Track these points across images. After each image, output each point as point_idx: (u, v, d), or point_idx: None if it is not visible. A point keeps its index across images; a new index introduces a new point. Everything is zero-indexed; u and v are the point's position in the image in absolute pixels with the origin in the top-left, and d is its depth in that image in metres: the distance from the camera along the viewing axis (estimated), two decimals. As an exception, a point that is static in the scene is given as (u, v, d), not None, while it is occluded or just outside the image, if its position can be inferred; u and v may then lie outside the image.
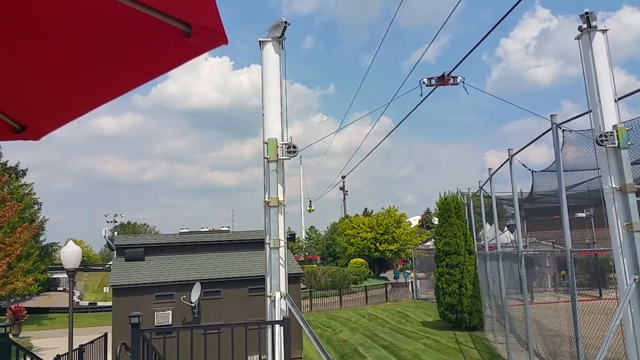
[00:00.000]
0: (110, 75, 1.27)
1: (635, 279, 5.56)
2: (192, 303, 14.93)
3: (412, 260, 42.98)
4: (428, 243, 43.27)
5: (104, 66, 1.24)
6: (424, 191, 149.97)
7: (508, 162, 12.28)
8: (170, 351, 4.77)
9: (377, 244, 49.27)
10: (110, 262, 25.14)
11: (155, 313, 14.81)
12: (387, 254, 49.96)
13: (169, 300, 15.20)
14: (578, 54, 6.19)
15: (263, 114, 5.88)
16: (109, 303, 19.68)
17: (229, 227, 21.54)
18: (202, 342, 4.98)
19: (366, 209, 68.70)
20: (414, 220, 64.17)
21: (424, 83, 9.62)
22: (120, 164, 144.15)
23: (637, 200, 5.83)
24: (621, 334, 5.91)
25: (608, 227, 6.02)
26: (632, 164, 6.34)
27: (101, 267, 61.35)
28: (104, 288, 43.38)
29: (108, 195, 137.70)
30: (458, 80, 9.83)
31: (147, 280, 15.23)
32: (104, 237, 53.97)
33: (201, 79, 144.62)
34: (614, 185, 5.77)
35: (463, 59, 8.18)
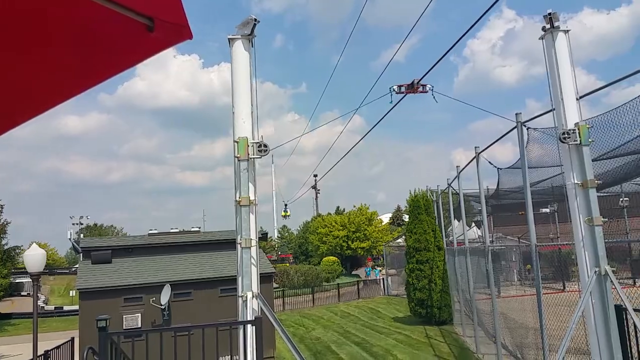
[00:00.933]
0: (69, 71, 1.23)
1: (595, 272, 5.76)
2: (162, 305, 14.69)
3: (383, 258, 43.41)
4: (399, 240, 43.80)
5: (63, 62, 1.20)
6: (395, 189, 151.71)
7: (475, 159, 12.53)
8: (140, 355, 4.68)
9: (349, 242, 49.59)
10: (77, 265, 24.49)
11: (124, 316, 14.51)
12: (359, 252, 50.36)
13: (138, 303, 14.91)
14: (541, 55, 6.37)
15: (233, 113, 5.83)
16: (76, 307, 19.18)
17: (199, 228, 21.29)
18: (173, 345, 4.91)
19: (338, 207, 68.99)
20: (385, 218, 64.83)
21: (394, 90, 9.78)
22: (86, 165, 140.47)
23: (598, 196, 6.04)
24: (583, 324, 6.12)
25: (570, 221, 6.22)
26: (593, 160, 6.57)
27: (67, 271, 59.72)
28: (71, 292, 42.22)
29: (73, 197, 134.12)
30: (427, 88, 10.04)
31: (115, 283, 14.90)
32: (70, 239, 52.60)
33: (169, 77, 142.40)
34: (576, 181, 5.96)
35: (432, 68, 8.31)
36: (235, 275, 5.82)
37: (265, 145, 5.76)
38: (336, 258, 47.49)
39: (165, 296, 14.68)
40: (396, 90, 9.68)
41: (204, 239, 18.21)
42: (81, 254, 16.44)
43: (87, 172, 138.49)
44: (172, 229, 19.80)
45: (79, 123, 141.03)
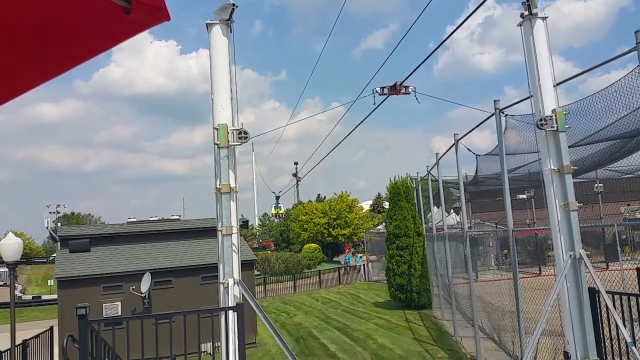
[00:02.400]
0: (43, 54, 1.20)
1: (570, 255, 5.90)
2: (142, 293, 14.60)
3: (364, 244, 43.74)
4: (379, 227, 44.14)
5: (36, 45, 1.17)
6: (376, 176, 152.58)
7: (454, 146, 12.66)
8: (120, 343, 4.66)
9: (330, 229, 49.79)
10: (54, 254, 24.11)
11: (104, 305, 14.40)
12: (340, 239, 50.63)
13: (118, 292, 14.80)
14: (520, 42, 6.43)
15: (212, 99, 5.77)
16: (55, 296, 18.92)
17: (179, 216, 21.16)
18: (154, 332, 4.89)
19: (319, 194, 69.14)
20: (366, 205, 65.26)
21: (377, 92, 9.86)
22: (62, 153, 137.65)
23: (573, 182, 6.17)
24: (558, 307, 6.28)
25: (547, 207, 6.35)
26: (569, 147, 6.69)
27: (45, 260, 58.71)
28: (49, 281, 41.57)
29: (50, 186, 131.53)
30: (409, 90, 10.12)
31: (94, 272, 14.75)
32: (47, 228, 51.65)
33: (146, 64, 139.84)
34: (552, 167, 6.07)
35: (413, 72, 8.35)
36: (217, 263, 5.81)
37: (246, 132, 5.72)
38: (317, 245, 47.68)
39: (145, 284, 14.59)
40: (379, 92, 9.78)
41: (185, 227, 18.10)
42: (59, 243, 16.20)
43: (63, 160, 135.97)
44: (151, 217, 19.64)
45: (55, 110, 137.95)
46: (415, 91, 10.09)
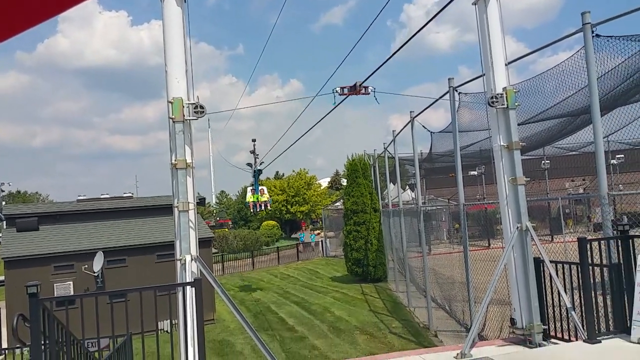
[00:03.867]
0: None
1: (517, 227, 6.20)
2: (94, 273, 14.27)
3: (322, 221, 44.16)
4: (337, 203, 44.60)
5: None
6: (334, 154, 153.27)
7: (410, 123, 12.87)
8: (75, 323, 4.56)
9: (289, 206, 49.95)
10: (0, 234, 23.06)
11: (55, 285, 14.00)
12: (299, 215, 50.91)
13: (69, 271, 14.40)
14: (474, 22, 6.56)
15: (166, 72, 5.60)
16: (1, 277, 18.20)
17: (132, 194, 20.63)
18: (109, 311, 4.81)
19: (277, 172, 68.93)
20: (324, 182, 65.69)
21: (337, 92, 9.94)
22: (6, 129, 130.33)
23: (522, 159, 6.44)
24: (505, 277, 6.61)
25: (496, 182, 6.61)
26: (518, 124, 6.94)
27: (-12, 241, 56.02)
28: (-7, 263, 39.82)
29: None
30: (369, 90, 10.23)
31: (43, 251, 14.27)
32: (-10, 207, 49.16)
33: (95, 35, 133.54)
34: (502, 143, 6.30)
35: (373, 73, 8.37)
36: (173, 241, 5.75)
37: (202, 107, 5.62)
38: (275, 222, 47.79)
39: (97, 263, 14.25)
40: (339, 92, 9.87)
41: (138, 204, 17.70)
42: (4, 222, 15.50)
43: (6, 136, 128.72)
44: (102, 195, 19.04)
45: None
46: (374, 91, 10.26)
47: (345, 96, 9.92)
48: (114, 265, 14.97)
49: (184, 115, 5.49)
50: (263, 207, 20.24)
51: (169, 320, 5.69)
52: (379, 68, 7.94)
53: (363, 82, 9.79)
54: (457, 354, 5.76)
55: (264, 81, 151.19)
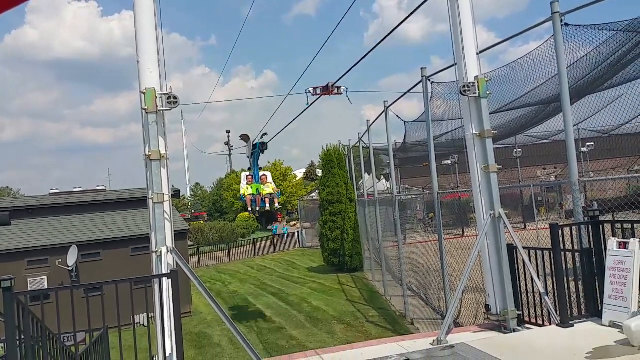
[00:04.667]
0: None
1: (490, 214, 6.32)
2: (69, 267, 14.02)
3: (298, 212, 44.19)
4: (313, 194, 44.66)
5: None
6: (309, 144, 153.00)
7: (384, 113, 12.96)
8: (50, 317, 4.48)
9: (264, 197, 49.73)
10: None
11: (29, 280, 13.73)
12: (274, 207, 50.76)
13: (43, 265, 14.13)
14: (446, 12, 6.62)
15: (138, 62, 5.49)
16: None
17: (105, 187, 20.29)
18: (85, 305, 4.74)
19: (252, 163, 68.29)
20: (300, 173, 65.62)
21: (309, 92, 9.96)
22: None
23: (494, 147, 6.56)
24: (479, 265, 6.75)
25: (469, 170, 6.71)
26: (490, 113, 7.06)
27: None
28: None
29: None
30: (342, 90, 10.26)
31: (16, 246, 13.99)
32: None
33: (64, 26, 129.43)
34: (474, 132, 6.40)
35: (346, 73, 8.41)
36: (148, 233, 5.67)
37: (175, 97, 5.54)
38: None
39: (72, 257, 14.01)
40: (312, 92, 9.90)
41: (112, 197, 17.41)
42: (-28, 218, 15.08)
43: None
44: (75, 188, 18.67)
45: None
46: (347, 91, 10.31)
47: (318, 96, 9.99)
48: (89, 259, 14.73)
49: (157, 106, 5.41)
50: (267, 205, 12.78)
51: (146, 314, 5.64)
52: (352, 68, 7.96)
53: (335, 82, 9.89)
54: (433, 340, 5.86)
55: (237, 72, 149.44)
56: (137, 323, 8.03)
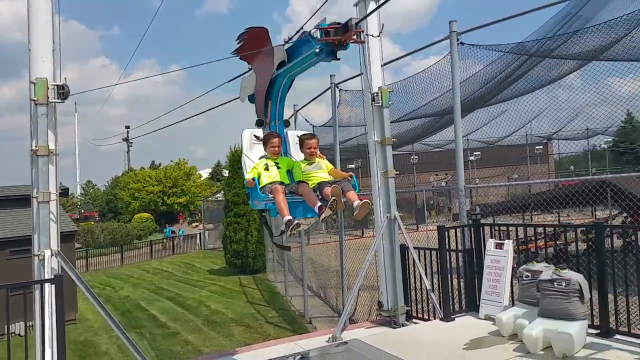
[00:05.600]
0: None
1: (387, 217, 6.67)
2: None
3: (201, 213, 42.98)
4: (218, 195, 43.73)
5: None
6: (216, 144, 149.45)
7: (293, 116, 13.10)
8: None
9: (165, 198, 47.74)
10: None
11: None
12: (176, 207, 48.87)
13: None
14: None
15: (30, 50, 5.03)
16: None
17: (-20, 182, 18.23)
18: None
19: (154, 161, 65.53)
20: (205, 173, 63.92)
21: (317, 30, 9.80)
22: None
23: (394, 154, 6.92)
24: (375, 264, 7.07)
25: (370, 175, 7.02)
26: (391, 122, 7.43)
27: None
28: None
29: None
30: (362, 37, 10.30)
31: None
32: None
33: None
34: (376, 139, 6.71)
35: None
36: (29, 235, 5.20)
37: (68, 89, 5.15)
38: (149, 215, 45.39)
39: None
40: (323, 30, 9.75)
41: (-12, 194, 15.68)
42: None
43: None
44: (-58, 183, 16.54)
45: None
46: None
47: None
48: (-45, 264, 13.13)
49: (48, 98, 4.99)
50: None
51: (23, 323, 5.16)
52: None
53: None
54: (329, 338, 6.06)
55: (141, 66, 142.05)
56: (12, 333, 7.32)
